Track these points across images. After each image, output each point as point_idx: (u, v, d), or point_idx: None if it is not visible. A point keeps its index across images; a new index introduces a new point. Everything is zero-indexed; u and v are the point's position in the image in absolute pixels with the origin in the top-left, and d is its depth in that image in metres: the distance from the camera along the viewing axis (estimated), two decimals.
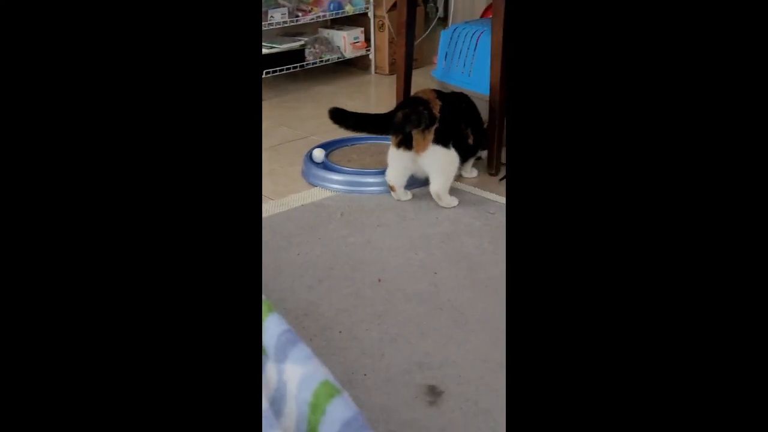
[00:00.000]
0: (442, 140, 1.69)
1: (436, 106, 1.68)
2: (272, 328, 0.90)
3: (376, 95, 2.99)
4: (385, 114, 1.70)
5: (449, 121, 1.69)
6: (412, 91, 2.29)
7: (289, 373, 0.85)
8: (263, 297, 0.95)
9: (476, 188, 1.91)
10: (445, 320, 1.33)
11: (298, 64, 2.93)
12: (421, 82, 2.76)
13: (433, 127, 1.67)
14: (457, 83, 2.29)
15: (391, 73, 3.13)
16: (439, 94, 1.74)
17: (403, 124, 1.65)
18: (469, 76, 2.25)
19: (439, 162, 1.71)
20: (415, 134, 1.68)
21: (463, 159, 1.81)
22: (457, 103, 1.77)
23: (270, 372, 0.87)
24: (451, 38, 2.33)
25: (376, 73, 3.22)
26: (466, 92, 2.22)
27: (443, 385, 1.15)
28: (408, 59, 2.24)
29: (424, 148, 1.68)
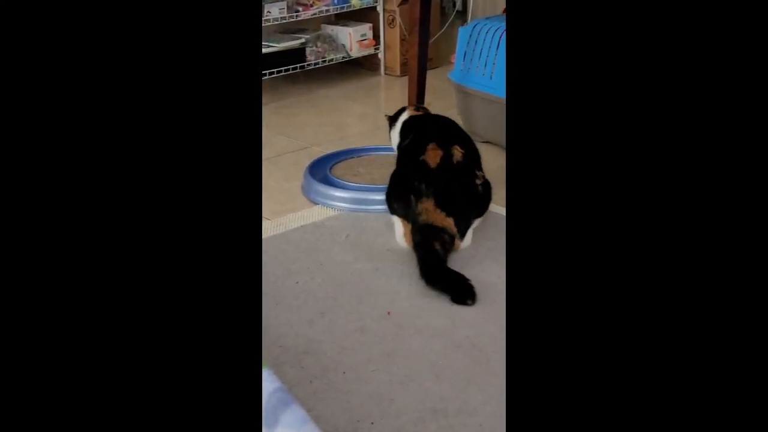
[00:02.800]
0: (465, 229, 1.71)
1: (450, 225, 1.65)
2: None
3: (386, 100, 2.99)
4: (430, 264, 1.62)
5: (466, 214, 1.70)
6: (426, 98, 2.29)
7: None
8: None
9: (497, 206, 1.90)
10: (464, 360, 1.32)
11: (297, 65, 2.94)
12: (437, 85, 2.77)
13: (458, 240, 1.69)
14: (476, 86, 2.29)
15: (403, 74, 3.13)
16: (441, 201, 1.65)
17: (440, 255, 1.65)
18: (490, 78, 2.24)
19: (469, 240, 1.75)
20: None
21: (487, 202, 1.78)
22: (457, 178, 1.71)
23: None
24: (470, 36, 2.33)
25: (386, 74, 3.23)
26: (483, 96, 2.22)
27: None
28: (422, 59, 2.24)
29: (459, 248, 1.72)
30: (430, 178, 1.67)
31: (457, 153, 1.70)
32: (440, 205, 1.65)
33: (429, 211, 1.64)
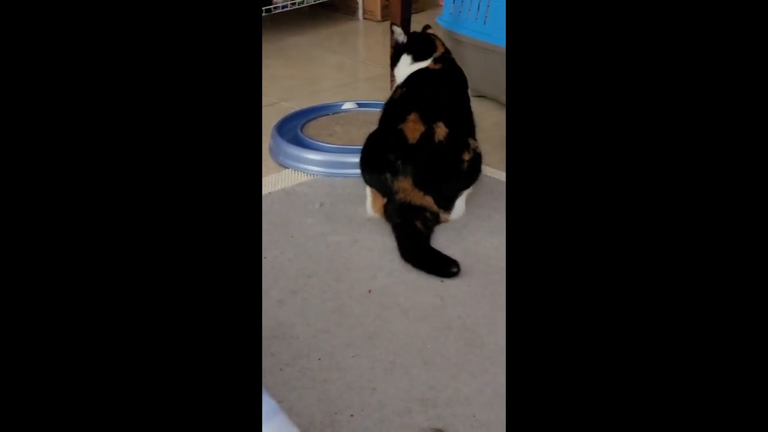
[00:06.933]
0: (450, 203, 1.72)
1: (430, 203, 1.67)
2: None
3: (366, 48, 2.97)
4: (410, 244, 1.65)
5: (448, 191, 1.71)
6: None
7: None
8: None
9: (493, 169, 1.91)
10: (455, 343, 1.33)
11: (262, 9, 2.91)
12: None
13: (444, 214, 1.71)
14: (468, 33, 2.28)
15: (384, 19, 3.11)
16: (419, 181, 1.66)
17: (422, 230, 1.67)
18: (484, 24, 2.24)
19: (460, 210, 1.76)
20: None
21: (474, 176, 1.78)
22: (439, 157, 1.71)
23: None
24: None
25: (364, 19, 3.21)
26: (476, 44, 2.21)
27: (452, 427, 1.15)
28: (405, 1, 2.22)
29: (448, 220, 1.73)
30: (407, 156, 1.66)
31: (440, 132, 1.68)
32: (418, 185, 1.66)
33: (406, 190, 1.66)
